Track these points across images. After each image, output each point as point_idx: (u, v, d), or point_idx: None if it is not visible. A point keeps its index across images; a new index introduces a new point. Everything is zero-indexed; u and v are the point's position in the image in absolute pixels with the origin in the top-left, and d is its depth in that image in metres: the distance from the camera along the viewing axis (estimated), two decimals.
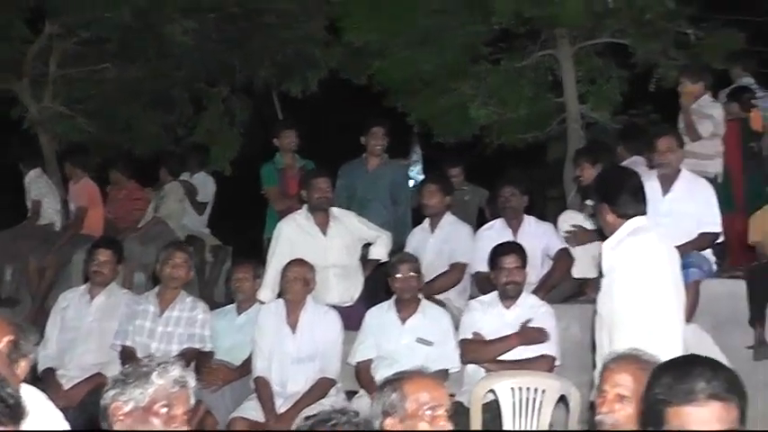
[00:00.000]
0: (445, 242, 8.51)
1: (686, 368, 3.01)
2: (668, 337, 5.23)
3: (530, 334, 7.08)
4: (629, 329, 5.22)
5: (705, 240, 7.58)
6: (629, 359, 4.34)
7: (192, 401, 3.81)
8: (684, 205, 7.44)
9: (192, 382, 3.82)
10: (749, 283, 7.84)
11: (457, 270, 8.40)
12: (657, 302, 5.33)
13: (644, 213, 5.58)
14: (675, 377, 3.00)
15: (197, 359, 7.55)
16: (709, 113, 9.12)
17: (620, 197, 5.56)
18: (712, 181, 8.39)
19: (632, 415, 4.12)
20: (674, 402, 2.96)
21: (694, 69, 9.52)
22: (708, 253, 7.66)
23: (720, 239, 7.76)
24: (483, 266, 7.90)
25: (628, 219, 5.52)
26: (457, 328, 7.36)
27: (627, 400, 4.17)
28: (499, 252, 7.35)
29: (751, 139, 9.78)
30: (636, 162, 8.57)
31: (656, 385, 3.05)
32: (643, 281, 5.35)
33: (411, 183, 11.83)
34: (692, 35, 10.86)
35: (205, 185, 11.41)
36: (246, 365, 7.50)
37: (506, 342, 7.09)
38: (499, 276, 7.24)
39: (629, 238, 5.47)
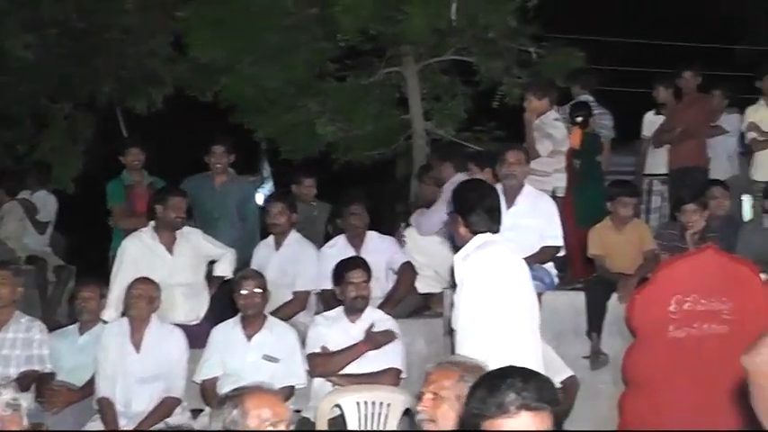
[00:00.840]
0: (289, 261, 8.45)
1: (498, 381, 3.09)
2: (517, 349, 5.33)
3: (376, 338, 7.11)
4: (477, 341, 5.28)
5: (547, 254, 7.72)
6: (448, 363, 4.44)
7: (25, 423, 3.71)
8: (527, 219, 7.57)
9: (25, 404, 3.73)
10: (587, 296, 8.08)
11: (299, 299, 8.37)
12: (505, 314, 5.42)
13: (496, 231, 5.64)
14: (488, 390, 3.07)
15: (38, 381, 7.35)
16: (549, 132, 9.31)
17: (474, 212, 5.59)
18: (551, 196, 8.61)
19: (448, 411, 4.19)
20: (488, 416, 3.03)
21: (540, 85, 9.71)
22: (550, 266, 7.81)
23: (562, 253, 7.94)
24: (327, 284, 7.90)
25: (479, 234, 5.59)
26: (303, 344, 7.34)
27: (442, 400, 4.24)
28: (345, 267, 7.37)
29: (591, 153, 10.03)
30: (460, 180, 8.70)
31: (471, 400, 3.12)
32: (491, 293, 5.43)
33: (260, 199, 11.77)
34: (533, 53, 11.13)
35: (46, 204, 11.16)
36: (89, 386, 7.32)
37: (354, 350, 7.10)
38: (347, 291, 7.25)
39: (478, 251, 5.53)
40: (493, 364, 4.25)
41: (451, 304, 5.78)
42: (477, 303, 5.41)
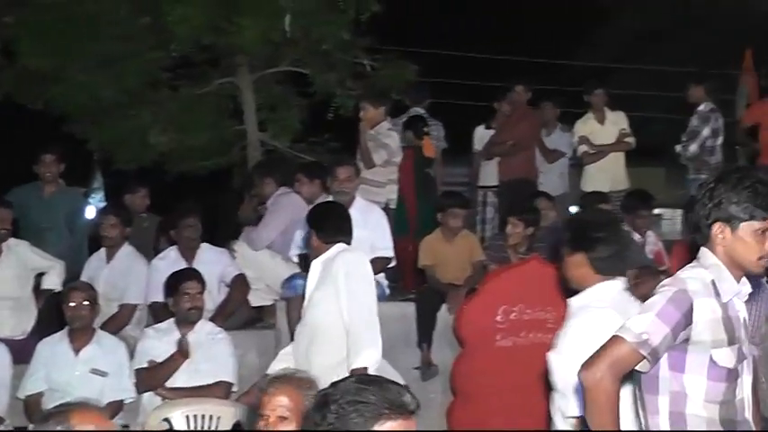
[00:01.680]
0: (120, 274, 8.33)
1: (364, 390, 3.08)
2: (374, 346, 5.89)
3: (187, 347, 7.06)
4: (339, 340, 5.75)
5: (378, 265, 7.77)
6: (285, 381, 4.47)
7: None
8: (358, 231, 7.61)
9: None
10: (417, 306, 8.20)
11: (125, 312, 8.27)
12: (368, 314, 5.85)
13: (348, 243, 6.22)
14: (347, 402, 3.06)
15: None
16: (385, 142, 9.43)
17: (325, 226, 6.21)
18: (383, 208, 8.72)
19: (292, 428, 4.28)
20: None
21: (376, 95, 9.84)
22: (381, 277, 7.91)
23: (393, 264, 8.04)
24: (158, 296, 7.82)
25: (333, 244, 6.15)
26: (133, 357, 7.24)
27: (287, 421, 4.29)
28: (179, 278, 7.27)
29: (425, 166, 10.18)
30: (284, 193, 8.75)
31: (326, 413, 3.09)
32: (357, 292, 5.94)
33: (91, 210, 11.56)
34: (367, 66, 11.25)
35: None
36: None
37: (172, 362, 7.02)
38: (181, 302, 7.15)
39: (342, 253, 6.08)
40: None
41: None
42: (346, 301, 6.00)
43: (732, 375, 3.74)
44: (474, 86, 13.46)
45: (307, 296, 6.36)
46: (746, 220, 3.72)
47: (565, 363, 4.39)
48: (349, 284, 6.07)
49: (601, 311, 4.48)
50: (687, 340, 3.70)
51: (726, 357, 3.72)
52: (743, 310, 3.86)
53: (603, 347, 3.68)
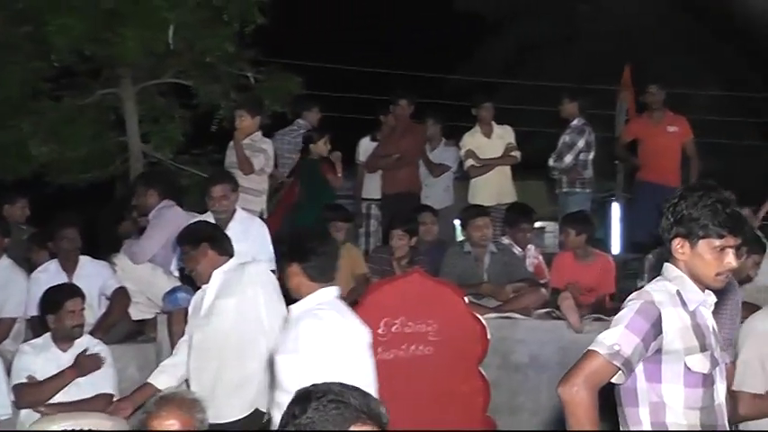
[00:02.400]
0: None
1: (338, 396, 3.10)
2: None
3: (85, 364, 6.96)
4: (252, 349, 5.92)
5: None
6: (175, 403, 4.45)
7: None
8: (239, 244, 7.61)
9: None
10: None
11: (4, 325, 8.17)
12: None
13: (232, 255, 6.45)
14: (330, 400, 3.07)
15: None
16: (263, 148, 9.45)
17: (222, 238, 6.54)
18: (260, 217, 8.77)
19: None
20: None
21: (254, 103, 9.84)
22: None
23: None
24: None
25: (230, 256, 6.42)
26: (9, 373, 7.10)
27: None
28: (62, 295, 7.12)
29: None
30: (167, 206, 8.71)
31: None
32: (274, 301, 6.11)
33: None
34: (252, 78, 11.24)
35: None
36: None
37: (62, 378, 6.91)
38: (64, 320, 7.01)
39: (248, 264, 6.38)
40: None
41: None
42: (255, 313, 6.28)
43: (708, 381, 3.85)
44: (359, 99, 13.50)
45: (205, 306, 6.37)
46: (705, 237, 3.83)
47: (297, 363, 4.75)
48: (266, 294, 6.26)
49: (325, 313, 4.88)
50: (660, 350, 3.81)
51: (699, 363, 3.82)
52: (710, 318, 3.96)
53: (578, 362, 3.82)
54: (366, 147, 11.40)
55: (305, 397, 3.01)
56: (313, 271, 5.04)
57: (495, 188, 10.84)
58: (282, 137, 10.48)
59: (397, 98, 11.00)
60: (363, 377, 4.86)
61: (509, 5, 20.37)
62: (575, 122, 10.79)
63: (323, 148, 10.10)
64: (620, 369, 3.76)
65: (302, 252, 5.07)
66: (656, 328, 3.79)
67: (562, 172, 10.67)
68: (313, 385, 3.04)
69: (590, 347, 3.82)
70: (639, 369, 3.84)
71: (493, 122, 11.02)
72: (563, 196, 10.72)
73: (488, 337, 7.82)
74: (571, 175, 10.67)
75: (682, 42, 20.00)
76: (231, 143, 9.51)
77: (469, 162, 10.88)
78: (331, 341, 4.80)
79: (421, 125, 11.25)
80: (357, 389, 3.05)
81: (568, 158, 10.62)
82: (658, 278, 3.99)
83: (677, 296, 3.87)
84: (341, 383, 3.06)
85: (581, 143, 10.70)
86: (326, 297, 5.06)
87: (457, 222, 10.94)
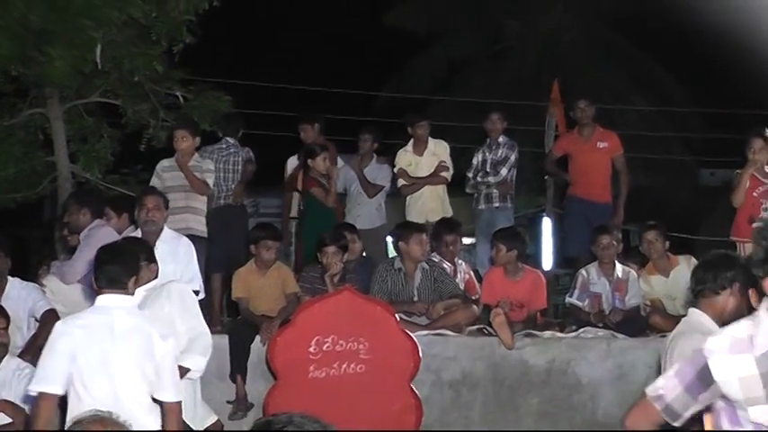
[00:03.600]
0: None
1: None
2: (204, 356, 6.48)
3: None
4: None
5: None
6: (101, 423, 4.36)
7: None
8: (165, 266, 7.52)
9: None
10: (230, 339, 8.19)
11: None
12: (203, 327, 6.30)
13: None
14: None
15: None
16: (210, 168, 9.41)
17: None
18: (201, 238, 8.70)
19: None
20: None
21: (194, 123, 9.81)
22: None
23: (201, 296, 7.94)
24: None
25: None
26: None
27: None
28: None
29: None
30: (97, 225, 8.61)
31: None
32: (192, 309, 6.44)
33: None
34: (180, 97, 11.17)
35: None
36: None
37: None
38: None
39: (169, 283, 6.57)
40: None
41: None
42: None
43: None
44: (289, 118, 13.47)
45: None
46: None
47: None
48: (183, 303, 6.56)
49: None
50: (726, 397, 3.75)
51: (764, 415, 3.70)
52: None
53: (638, 400, 3.97)
54: (294, 165, 11.17)
55: (266, 427, 2.99)
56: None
57: (429, 205, 10.80)
58: (210, 155, 10.37)
59: (300, 122, 10.92)
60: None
61: (438, 21, 20.42)
62: (501, 139, 10.84)
63: (322, 165, 10.12)
64: (661, 412, 3.84)
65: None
66: (704, 378, 3.73)
67: (498, 185, 10.69)
68: (273, 415, 3.03)
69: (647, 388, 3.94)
70: (723, 411, 3.82)
71: (430, 139, 10.97)
72: (492, 211, 10.72)
73: (420, 354, 7.83)
74: (503, 190, 10.70)
75: (610, 58, 20.19)
76: (162, 166, 9.39)
77: (401, 182, 10.86)
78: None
79: (330, 143, 11.11)
80: (317, 420, 3.10)
81: (504, 171, 10.66)
82: (752, 314, 3.88)
83: (748, 341, 3.72)
84: (301, 414, 3.04)
85: (513, 158, 10.77)
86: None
87: (389, 239, 10.92)
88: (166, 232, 7.91)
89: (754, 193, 9.58)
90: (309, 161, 10.11)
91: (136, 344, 5.55)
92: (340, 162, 11.10)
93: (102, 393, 5.39)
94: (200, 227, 9.13)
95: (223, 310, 9.66)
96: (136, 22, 10.59)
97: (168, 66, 10.91)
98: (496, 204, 10.74)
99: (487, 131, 10.90)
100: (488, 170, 10.70)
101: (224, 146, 10.41)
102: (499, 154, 10.74)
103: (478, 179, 10.74)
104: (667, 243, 9.49)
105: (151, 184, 9.24)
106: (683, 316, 5.51)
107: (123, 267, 5.70)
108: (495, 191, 10.73)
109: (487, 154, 10.83)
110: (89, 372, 5.46)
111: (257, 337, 8.23)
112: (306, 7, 20.35)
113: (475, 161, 10.85)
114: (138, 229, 7.95)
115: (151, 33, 10.72)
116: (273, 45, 20.35)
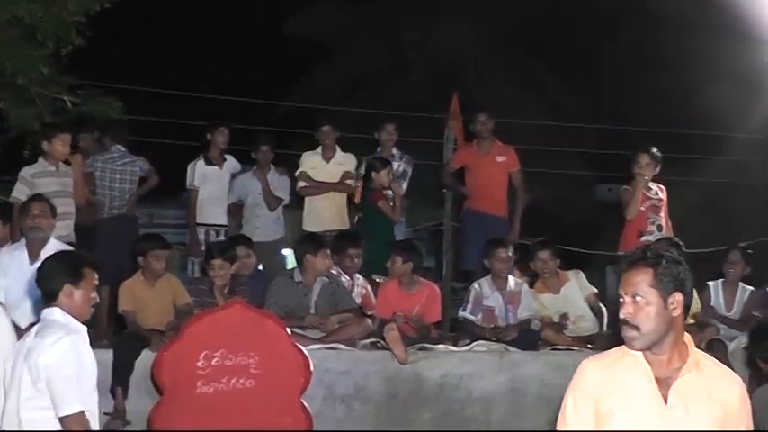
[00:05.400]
0: None
1: None
2: None
3: None
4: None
5: None
6: None
7: None
8: None
9: None
10: (116, 352, 7.98)
11: None
12: None
13: None
14: None
15: None
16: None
17: None
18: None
19: None
20: None
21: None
22: None
23: None
24: None
25: None
26: None
27: None
28: None
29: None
30: None
31: None
32: None
33: None
34: (68, 102, 10.86)
35: None
36: None
37: None
38: None
39: None
40: None
41: None
42: None
43: None
44: (181, 125, 13.23)
45: None
46: None
47: None
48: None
49: None
50: None
51: None
52: None
53: None
54: (203, 171, 10.86)
55: None
56: None
57: (328, 213, 10.70)
58: (103, 164, 10.06)
59: (216, 125, 10.69)
60: None
61: (339, 32, 20.34)
62: (395, 151, 10.77)
63: (385, 179, 10.23)
64: None
65: None
66: None
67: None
68: None
69: None
70: None
71: (337, 148, 10.89)
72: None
73: (311, 368, 7.67)
74: (402, 202, 10.62)
75: (510, 73, 20.31)
76: (32, 172, 9.09)
77: (302, 184, 10.72)
78: None
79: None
80: None
81: (405, 186, 10.61)
82: None
83: None
84: None
85: (410, 172, 10.71)
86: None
87: (288, 252, 10.74)
88: (53, 242, 7.69)
89: (642, 208, 9.85)
90: (373, 174, 10.22)
91: None
92: (234, 166, 10.86)
93: None
94: (63, 231, 8.83)
95: (110, 324, 9.35)
96: (20, 21, 10.25)
97: (56, 69, 10.59)
98: None
99: (381, 142, 10.81)
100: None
101: (116, 154, 10.13)
102: (395, 167, 10.63)
103: None
104: (558, 261, 9.58)
105: (16, 192, 8.94)
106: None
107: None
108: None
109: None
110: None
111: (143, 352, 7.99)
112: (202, 14, 20.17)
113: (366, 172, 10.71)
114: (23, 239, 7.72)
115: (37, 34, 10.40)
116: (170, 51, 20.02)
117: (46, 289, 5.22)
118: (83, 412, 4.98)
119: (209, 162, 10.70)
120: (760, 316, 9.39)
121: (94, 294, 5.31)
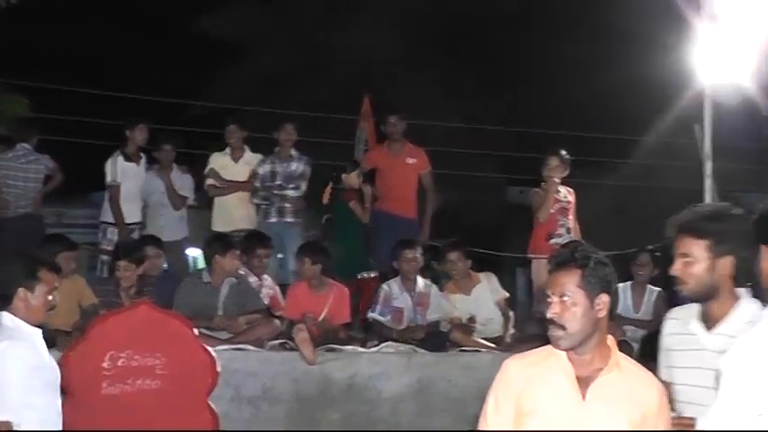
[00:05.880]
0: None
1: None
2: None
3: None
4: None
5: None
6: None
7: None
8: None
9: None
10: None
11: None
12: None
13: None
14: None
15: None
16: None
17: None
18: None
19: None
20: None
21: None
22: None
23: None
24: None
25: None
26: None
27: None
28: None
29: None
30: None
31: None
32: None
33: None
34: None
35: None
36: None
37: None
38: None
39: None
40: None
41: None
42: None
43: None
44: (91, 124, 13.10)
45: None
46: None
47: None
48: None
49: None
50: None
51: None
52: None
53: None
54: (123, 167, 10.70)
55: None
56: None
57: (236, 213, 10.69)
58: (8, 162, 9.93)
59: (133, 124, 10.57)
60: None
61: (250, 32, 20.25)
62: (293, 152, 10.75)
63: (355, 181, 10.38)
64: None
65: None
66: None
67: (297, 200, 10.61)
68: None
69: None
70: None
71: (246, 148, 10.87)
72: (282, 226, 10.60)
73: (218, 369, 7.64)
74: (297, 205, 10.64)
75: (424, 74, 20.38)
76: None
77: (210, 181, 10.68)
78: None
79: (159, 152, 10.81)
80: None
81: (304, 187, 10.63)
82: None
83: None
84: None
85: (309, 173, 10.72)
86: None
87: (197, 252, 10.69)
88: None
89: (551, 210, 9.89)
90: (343, 176, 10.40)
91: None
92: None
93: None
94: None
95: None
96: None
97: None
98: (289, 219, 10.66)
99: (280, 142, 10.76)
100: (281, 183, 10.59)
101: (21, 152, 10.02)
102: (293, 168, 10.66)
103: (274, 192, 10.61)
104: (469, 262, 9.65)
105: None
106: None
107: None
108: (288, 205, 10.64)
109: (277, 165, 10.71)
110: None
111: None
112: (114, 12, 20.00)
113: (262, 171, 10.72)
114: None
115: None
116: (80, 48, 19.77)
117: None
118: (8, 422, 4.92)
119: (127, 158, 10.56)
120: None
121: (52, 297, 5.24)
